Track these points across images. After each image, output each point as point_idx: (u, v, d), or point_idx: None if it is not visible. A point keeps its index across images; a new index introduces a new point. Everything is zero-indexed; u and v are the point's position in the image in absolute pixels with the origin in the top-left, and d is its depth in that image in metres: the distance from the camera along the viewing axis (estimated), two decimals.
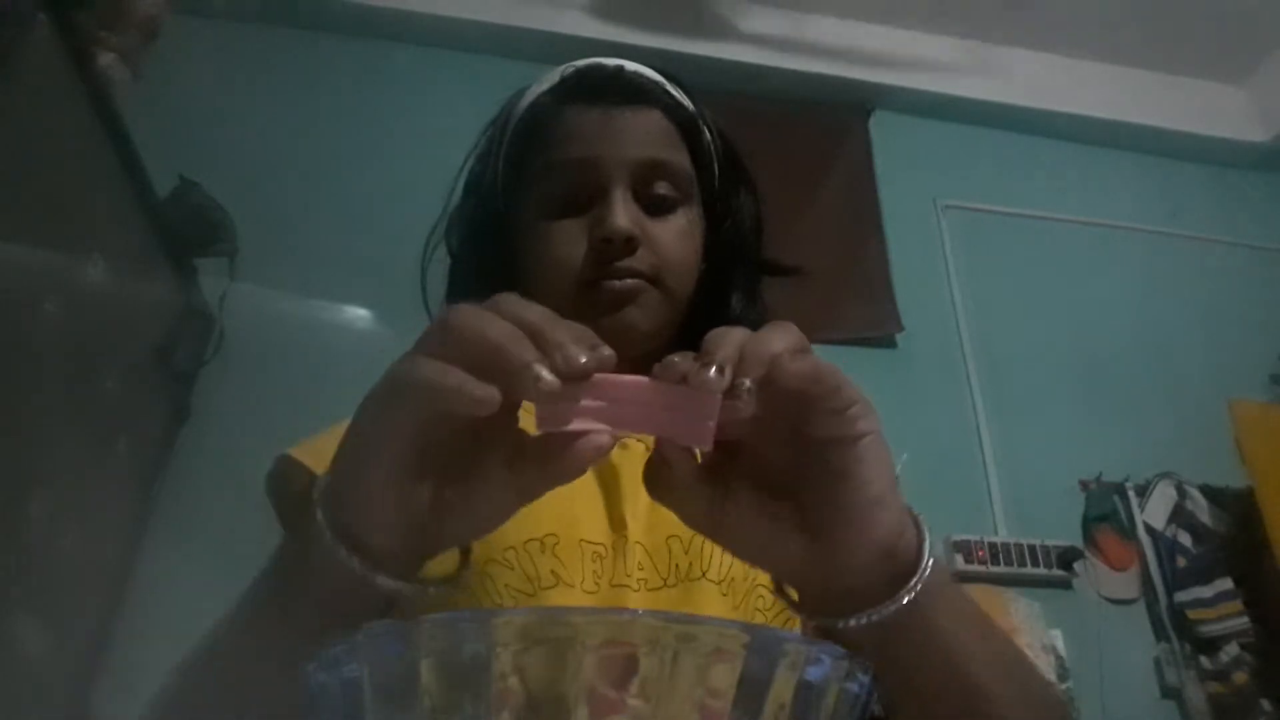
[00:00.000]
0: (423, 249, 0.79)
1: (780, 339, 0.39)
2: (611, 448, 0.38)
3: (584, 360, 0.36)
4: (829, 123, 2.82)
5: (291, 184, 2.28)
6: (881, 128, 2.83)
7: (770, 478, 0.42)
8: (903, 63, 2.88)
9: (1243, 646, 2.15)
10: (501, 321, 0.37)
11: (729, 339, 0.38)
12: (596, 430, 0.37)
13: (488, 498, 0.40)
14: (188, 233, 1.94)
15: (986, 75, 2.94)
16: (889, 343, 2.51)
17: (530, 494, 0.40)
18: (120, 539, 1.76)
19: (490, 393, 0.35)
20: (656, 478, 0.41)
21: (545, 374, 0.35)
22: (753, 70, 2.74)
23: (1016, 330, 2.59)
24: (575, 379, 0.36)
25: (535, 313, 0.38)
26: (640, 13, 2.70)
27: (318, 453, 0.65)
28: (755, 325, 0.78)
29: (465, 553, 0.46)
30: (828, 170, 2.73)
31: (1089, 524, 2.32)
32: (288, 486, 0.65)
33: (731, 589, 0.62)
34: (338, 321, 2.22)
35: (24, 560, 1.41)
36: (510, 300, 0.39)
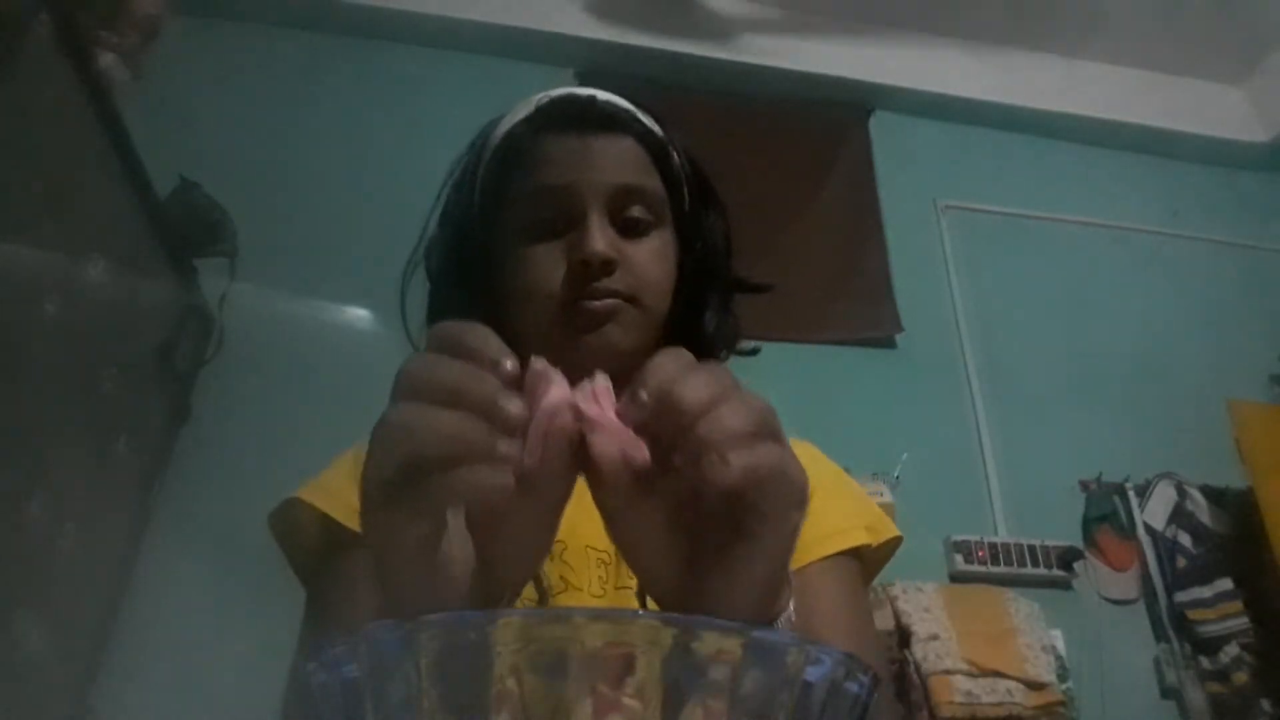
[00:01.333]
0: (401, 275, 0.80)
1: (737, 422, 0.37)
2: (577, 409, 0.38)
3: (516, 409, 0.37)
4: (829, 123, 2.82)
5: (291, 184, 2.28)
6: (881, 128, 2.84)
7: (684, 500, 0.41)
8: (903, 63, 2.88)
9: (1243, 647, 2.15)
10: (445, 413, 0.36)
11: (686, 402, 0.37)
12: (555, 406, 0.37)
13: (522, 528, 0.40)
14: (188, 233, 1.94)
15: (986, 75, 2.94)
16: (889, 343, 2.51)
17: (553, 500, 0.40)
18: (120, 539, 1.76)
19: (507, 479, 0.36)
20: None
21: (506, 446, 0.36)
22: (753, 71, 2.74)
23: (1016, 330, 2.59)
24: (521, 423, 0.37)
25: (451, 375, 0.37)
26: (640, 13, 2.70)
27: (327, 492, 0.65)
28: (729, 339, 0.79)
29: (536, 580, 0.47)
30: (828, 171, 2.73)
31: (1089, 524, 2.32)
32: (300, 532, 0.66)
33: None
34: (338, 321, 2.22)
35: (24, 560, 1.41)
36: (419, 373, 0.38)
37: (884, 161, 2.77)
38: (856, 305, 2.51)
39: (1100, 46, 3.02)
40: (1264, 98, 3.10)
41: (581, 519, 0.63)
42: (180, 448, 1.94)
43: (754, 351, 0.82)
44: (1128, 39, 2.99)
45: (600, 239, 0.68)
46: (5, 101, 1.27)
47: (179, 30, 2.03)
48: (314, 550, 0.66)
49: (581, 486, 0.66)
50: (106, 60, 1.66)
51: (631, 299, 0.70)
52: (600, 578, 0.62)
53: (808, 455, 0.77)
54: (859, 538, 0.69)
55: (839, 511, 0.71)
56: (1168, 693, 2.16)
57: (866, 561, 0.71)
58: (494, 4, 2.62)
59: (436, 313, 0.79)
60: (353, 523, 0.61)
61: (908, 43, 2.93)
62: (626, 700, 0.27)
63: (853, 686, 0.29)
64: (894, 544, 0.73)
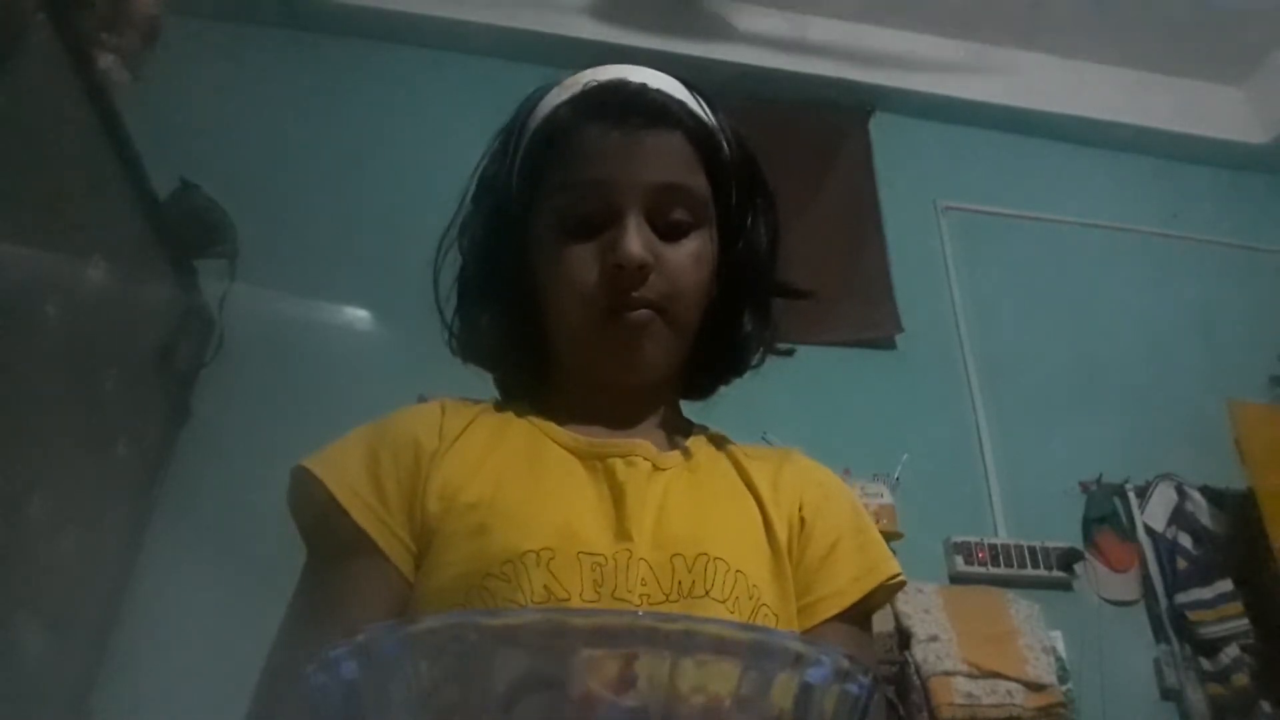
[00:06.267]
0: (436, 250, 0.78)
1: None
2: None
3: None
4: (829, 124, 2.82)
5: (291, 184, 2.28)
6: (882, 129, 2.84)
7: None
8: (903, 64, 2.88)
9: (1243, 648, 2.15)
10: None
11: None
12: None
13: None
14: (188, 234, 1.94)
15: (986, 76, 2.94)
16: (889, 344, 2.51)
17: None
18: (120, 539, 1.76)
19: None
20: None
21: None
22: (753, 72, 2.74)
23: (1016, 331, 2.59)
24: None
25: None
26: (640, 14, 2.70)
27: (332, 465, 0.65)
28: (765, 343, 0.77)
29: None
30: (828, 172, 2.73)
31: (1089, 525, 2.32)
32: (308, 503, 0.65)
33: (737, 608, 0.62)
34: (338, 322, 2.22)
35: (24, 561, 1.41)
36: None
37: (884, 162, 2.77)
38: (856, 306, 2.51)
39: (1100, 47, 3.02)
40: (1264, 98, 3.10)
41: (579, 525, 0.64)
42: (180, 449, 1.94)
43: (789, 351, 0.81)
44: (1128, 39, 2.98)
45: (636, 243, 0.67)
46: (5, 102, 1.27)
47: (179, 31, 2.03)
48: (316, 524, 0.66)
49: (579, 489, 0.65)
50: (106, 61, 1.66)
51: (663, 309, 0.69)
52: (594, 582, 0.61)
53: (831, 487, 0.76)
54: (867, 586, 0.69)
55: (850, 569, 0.70)
56: (1168, 694, 2.16)
57: (871, 601, 0.70)
58: (494, 5, 2.62)
59: (468, 293, 0.78)
60: (352, 505, 0.63)
61: (908, 43, 2.93)
62: (626, 702, 0.27)
63: (852, 688, 0.29)
64: (898, 584, 0.71)
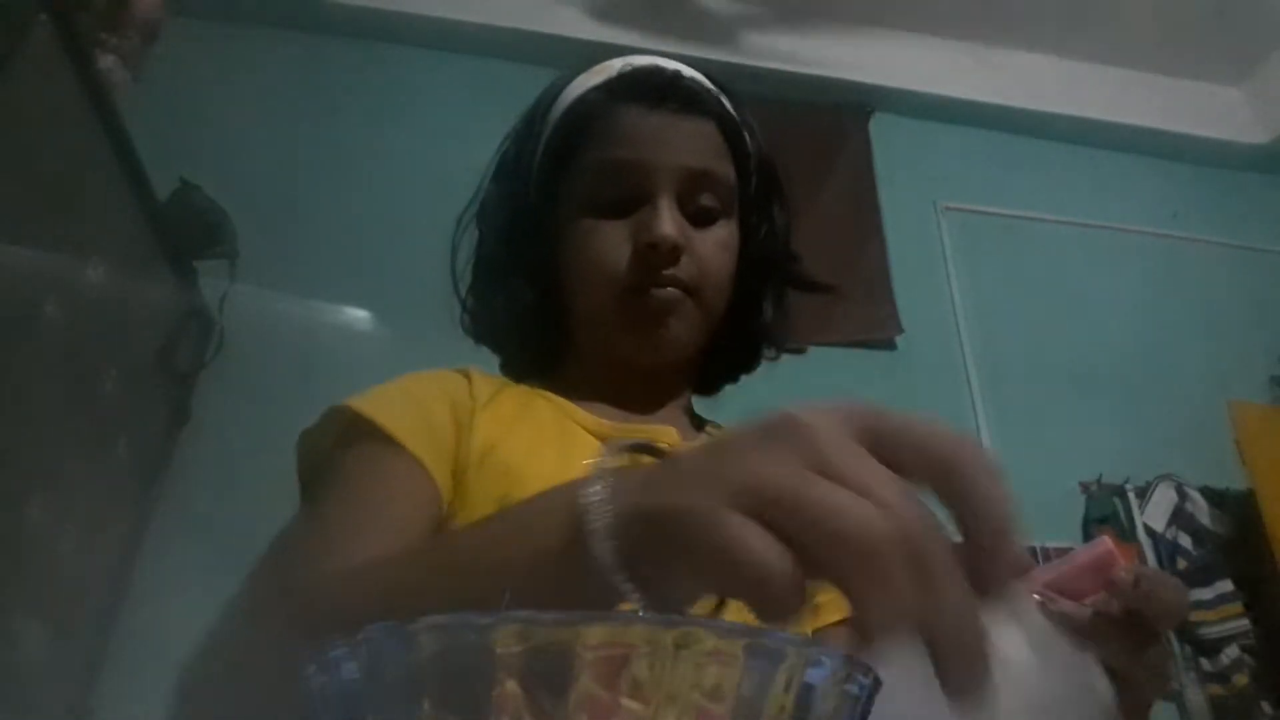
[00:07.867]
0: (454, 229, 0.78)
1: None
2: None
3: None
4: (829, 125, 2.81)
5: (291, 185, 2.28)
6: (882, 130, 2.83)
7: None
8: (903, 65, 2.89)
9: (1243, 649, 2.15)
10: (888, 536, 0.28)
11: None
12: None
13: None
14: (188, 235, 1.94)
15: (986, 77, 2.94)
16: (889, 345, 2.51)
17: None
18: (120, 540, 1.76)
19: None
20: None
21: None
22: (753, 73, 2.74)
23: (1016, 332, 2.59)
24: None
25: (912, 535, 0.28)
26: (640, 15, 2.70)
27: (385, 404, 0.62)
28: (782, 338, 0.78)
29: None
30: (828, 172, 2.73)
31: (1089, 526, 2.32)
32: (344, 436, 0.61)
33: None
34: (338, 323, 2.22)
35: (24, 561, 1.41)
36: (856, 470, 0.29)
37: (884, 163, 2.77)
38: (856, 307, 2.51)
39: (1100, 47, 3.02)
40: (1264, 98, 3.10)
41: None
42: (180, 449, 1.94)
43: (802, 349, 0.82)
44: (1127, 40, 2.99)
45: (670, 224, 0.67)
46: (5, 103, 1.27)
47: (179, 31, 2.03)
48: (335, 446, 0.61)
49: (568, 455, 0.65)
50: (107, 62, 1.66)
51: (693, 290, 0.69)
52: None
53: None
54: None
55: None
56: (1168, 695, 2.16)
57: None
58: (493, 6, 2.62)
59: (483, 274, 0.77)
60: (399, 428, 0.58)
61: (908, 44, 2.93)
62: (626, 702, 0.27)
63: (853, 689, 0.29)
64: None
